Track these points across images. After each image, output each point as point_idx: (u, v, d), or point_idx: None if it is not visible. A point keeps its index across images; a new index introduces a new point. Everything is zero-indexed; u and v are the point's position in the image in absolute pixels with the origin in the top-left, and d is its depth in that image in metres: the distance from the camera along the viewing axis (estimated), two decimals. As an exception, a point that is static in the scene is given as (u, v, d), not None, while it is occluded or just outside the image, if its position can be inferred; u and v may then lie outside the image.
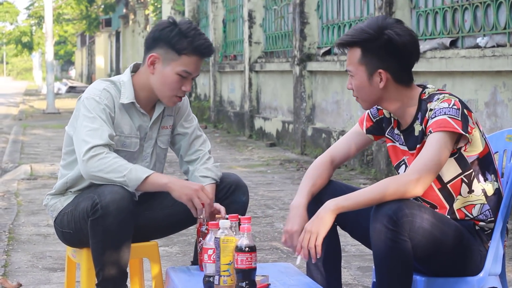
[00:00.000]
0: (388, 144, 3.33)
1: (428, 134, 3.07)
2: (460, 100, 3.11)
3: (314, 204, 3.17)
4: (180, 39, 3.47)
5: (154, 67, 3.52)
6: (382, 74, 3.15)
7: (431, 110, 3.11)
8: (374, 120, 3.38)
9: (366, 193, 3.06)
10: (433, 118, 3.07)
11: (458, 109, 3.07)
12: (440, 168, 3.06)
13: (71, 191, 3.60)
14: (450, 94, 3.15)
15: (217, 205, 3.46)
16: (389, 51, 3.13)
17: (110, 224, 3.32)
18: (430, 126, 3.07)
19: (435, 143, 3.04)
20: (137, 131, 3.58)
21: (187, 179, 3.68)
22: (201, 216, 3.38)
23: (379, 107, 3.35)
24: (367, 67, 3.16)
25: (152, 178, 3.41)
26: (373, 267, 3.08)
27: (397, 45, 3.12)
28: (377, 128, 3.37)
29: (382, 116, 3.35)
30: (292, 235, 3.18)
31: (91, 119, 3.44)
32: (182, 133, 3.73)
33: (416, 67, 3.25)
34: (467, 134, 3.06)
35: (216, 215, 3.40)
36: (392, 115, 3.30)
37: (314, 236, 3.04)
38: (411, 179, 3.01)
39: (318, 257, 3.05)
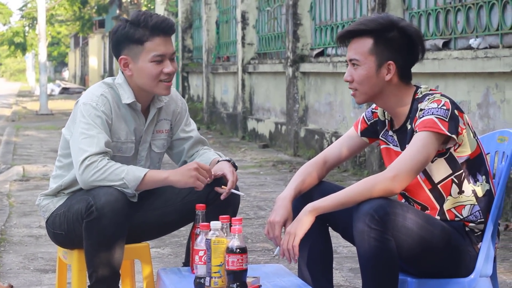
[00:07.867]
0: (382, 147, 3.33)
1: (415, 134, 3.07)
2: (451, 101, 3.11)
3: (303, 203, 3.16)
4: (135, 30, 3.45)
5: (129, 68, 3.51)
6: (391, 66, 3.14)
7: (421, 110, 3.11)
8: (369, 123, 3.37)
9: (344, 193, 3.06)
10: (421, 118, 3.08)
11: (447, 109, 3.06)
12: (422, 167, 3.05)
13: (64, 193, 3.58)
14: (442, 95, 3.14)
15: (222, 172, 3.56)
16: (401, 44, 3.14)
17: (104, 226, 3.32)
18: (417, 125, 3.08)
19: (417, 142, 3.04)
20: (132, 136, 3.57)
21: None
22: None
23: (374, 110, 3.35)
24: (377, 58, 3.14)
25: (151, 175, 3.41)
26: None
27: (410, 38, 3.14)
28: (372, 130, 3.37)
29: (377, 119, 3.35)
30: (274, 225, 3.18)
31: (87, 125, 3.43)
32: (185, 138, 3.74)
33: (410, 68, 3.26)
34: (453, 136, 3.05)
35: (222, 186, 3.52)
36: (386, 116, 3.29)
37: (292, 237, 3.06)
38: (387, 176, 3.02)
39: (296, 257, 3.07)
